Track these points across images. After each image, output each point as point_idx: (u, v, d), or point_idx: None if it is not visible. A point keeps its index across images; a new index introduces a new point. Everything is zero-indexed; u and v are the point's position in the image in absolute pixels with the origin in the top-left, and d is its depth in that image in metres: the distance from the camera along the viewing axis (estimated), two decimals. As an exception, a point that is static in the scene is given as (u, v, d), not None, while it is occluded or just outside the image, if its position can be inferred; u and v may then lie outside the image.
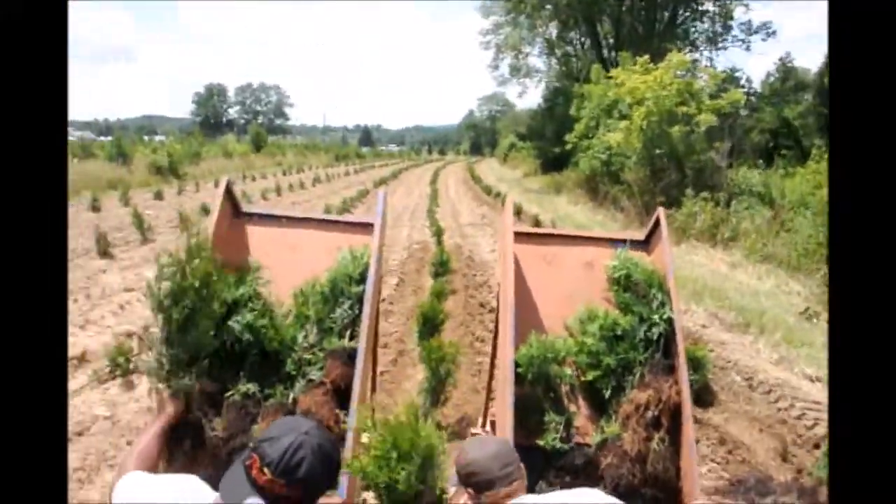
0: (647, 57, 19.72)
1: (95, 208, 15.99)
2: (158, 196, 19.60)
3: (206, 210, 15.94)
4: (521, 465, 1.86)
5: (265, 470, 1.42)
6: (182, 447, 2.23)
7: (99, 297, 8.23)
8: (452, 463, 1.92)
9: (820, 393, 6.15)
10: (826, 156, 12.84)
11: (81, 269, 9.79)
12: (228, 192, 2.84)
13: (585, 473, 2.39)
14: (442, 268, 8.73)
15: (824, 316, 8.86)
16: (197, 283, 2.16)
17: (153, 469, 1.87)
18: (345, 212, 16.43)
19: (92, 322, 7.16)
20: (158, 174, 26.65)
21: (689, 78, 18.79)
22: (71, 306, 7.56)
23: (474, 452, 1.85)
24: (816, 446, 4.77)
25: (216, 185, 23.41)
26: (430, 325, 5.34)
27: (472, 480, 1.80)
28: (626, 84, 18.98)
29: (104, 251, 10.73)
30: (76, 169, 22.84)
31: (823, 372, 6.70)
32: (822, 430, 5.06)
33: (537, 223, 15.27)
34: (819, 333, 8.07)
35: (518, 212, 16.48)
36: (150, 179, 25.08)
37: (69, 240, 11.39)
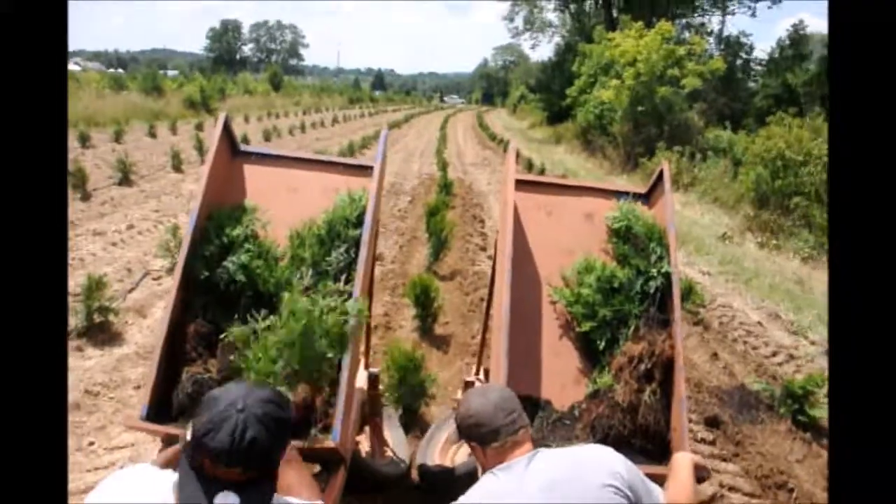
0: (640, 23, 21.86)
1: (153, 135, 18.62)
2: (199, 128, 22.04)
3: (246, 140, 18.46)
4: (524, 413, 1.79)
5: (220, 466, 1.29)
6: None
7: (187, 198, 10.91)
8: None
9: (704, 279, 8.86)
10: (780, 119, 15.16)
11: (165, 178, 12.48)
12: (226, 130, 2.77)
13: (577, 423, 2.41)
14: (446, 189, 11.37)
15: (737, 239, 11.57)
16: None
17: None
18: (364, 148, 19.01)
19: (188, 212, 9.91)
20: (191, 108, 29.12)
21: (674, 45, 20.94)
22: (173, 201, 10.34)
23: (476, 403, 1.76)
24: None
25: (245, 120, 25.54)
26: (434, 214, 8.00)
27: (475, 432, 1.72)
28: (620, 46, 21.23)
29: (177, 167, 13.37)
30: (115, 100, 25.33)
31: (714, 269, 9.41)
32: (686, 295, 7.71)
33: (530, 166, 17.80)
34: (724, 248, 10.78)
35: (515, 156, 18.94)
36: (185, 112, 27.54)
37: (142, 158, 14.04)
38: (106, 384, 4.43)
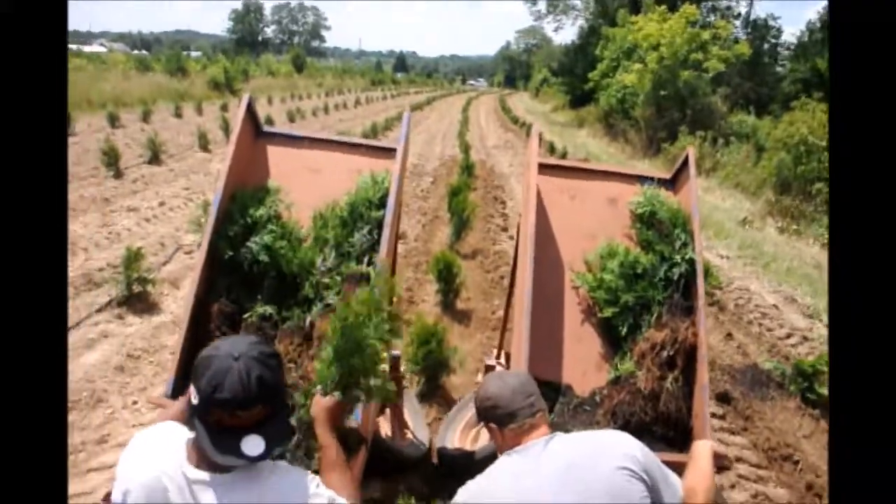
0: (664, 7, 21.69)
1: (179, 115, 18.96)
2: (224, 108, 22.35)
3: (270, 122, 18.72)
4: (542, 397, 1.82)
5: (239, 413, 1.35)
6: None
7: (215, 177, 11.18)
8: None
9: (721, 262, 8.95)
10: (804, 104, 15.06)
11: (193, 157, 12.78)
12: (250, 111, 2.78)
13: (598, 409, 2.40)
14: (468, 170, 11.52)
15: (757, 224, 11.60)
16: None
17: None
18: (387, 129, 19.18)
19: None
20: (216, 89, 29.45)
21: (699, 29, 20.76)
22: (202, 179, 10.65)
23: (494, 386, 1.81)
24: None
25: (269, 101, 25.80)
26: (457, 194, 8.18)
27: (493, 414, 1.77)
28: (643, 30, 21.09)
29: (204, 146, 13.66)
30: (141, 81, 25.73)
31: (733, 253, 9.49)
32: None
33: (552, 149, 17.85)
34: (744, 233, 10.83)
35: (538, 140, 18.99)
36: (209, 94, 27.88)
37: (170, 138, 14.34)
38: (146, 349, 4.72)
